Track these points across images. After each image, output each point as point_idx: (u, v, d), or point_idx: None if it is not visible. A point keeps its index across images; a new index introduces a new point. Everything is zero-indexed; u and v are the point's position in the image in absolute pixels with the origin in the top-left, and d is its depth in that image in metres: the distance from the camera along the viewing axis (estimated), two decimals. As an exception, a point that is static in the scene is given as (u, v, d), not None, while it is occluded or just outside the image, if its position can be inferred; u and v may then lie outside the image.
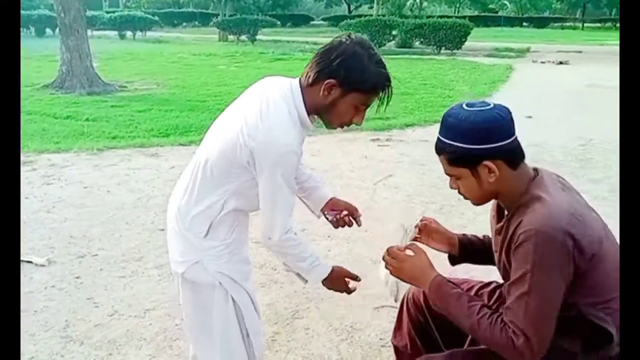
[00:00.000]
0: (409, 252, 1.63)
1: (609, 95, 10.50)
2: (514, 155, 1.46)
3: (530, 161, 1.53)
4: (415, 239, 1.77)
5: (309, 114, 1.60)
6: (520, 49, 22.06)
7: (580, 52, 21.68)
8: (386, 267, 1.65)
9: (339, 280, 1.86)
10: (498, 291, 1.78)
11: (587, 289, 1.38)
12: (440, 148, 1.50)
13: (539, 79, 13.18)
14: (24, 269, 3.23)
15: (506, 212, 1.54)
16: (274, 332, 2.66)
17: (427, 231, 1.81)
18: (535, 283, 1.33)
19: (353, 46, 1.53)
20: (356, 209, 1.98)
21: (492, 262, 1.68)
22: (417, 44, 22.76)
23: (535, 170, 1.53)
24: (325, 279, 1.81)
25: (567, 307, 1.38)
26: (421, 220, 1.82)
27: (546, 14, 60.89)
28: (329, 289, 1.88)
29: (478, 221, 3.91)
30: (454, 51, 20.94)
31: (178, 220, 1.69)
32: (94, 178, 5.03)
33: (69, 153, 5.87)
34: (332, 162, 5.67)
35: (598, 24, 52.25)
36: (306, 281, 1.81)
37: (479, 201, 1.56)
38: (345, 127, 1.68)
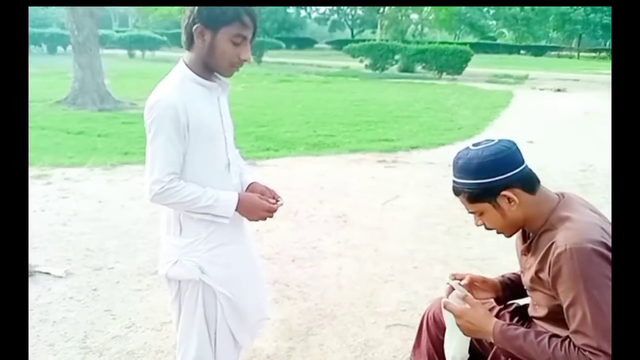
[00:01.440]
0: (464, 304, 1.64)
1: (606, 122, 10.62)
2: (529, 181, 1.53)
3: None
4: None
5: (205, 76, 1.69)
6: (518, 76, 22.31)
7: (577, 80, 21.89)
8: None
9: (253, 201, 1.78)
10: (519, 314, 1.82)
11: None
12: (457, 189, 1.58)
13: (538, 105, 13.33)
14: (42, 280, 3.28)
15: (531, 233, 1.59)
16: (289, 348, 2.68)
17: (472, 284, 1.83)
18: (591, 300, 1.36)
19: None
20: (275, 193, 1.92)
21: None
22: (419, 68, 23.03)
23: (562, 194, 1.59)
24: (238, 207, 1.74)
25: None
26: (461, 279, 1.83)
27: (543, 43, 61.58)
28: (249, 217, 1.80)
29: (485, 243, 3.98)
30: (454, 76, 21.19)
31: (162, 224, 1.82)
32: (108, 193, 5.10)
33: (82, 168, 5.95)
34: (340, 182, 5.74)
35: (593, 54, 52.76)
36: (226, 217, 1.73)
37: (508, 231, 1.62)
38: (238, 69, 1.72)
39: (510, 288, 1.84)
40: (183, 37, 1.68)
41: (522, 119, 10.87)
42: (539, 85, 18.89)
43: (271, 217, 1.82)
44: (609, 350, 1.33)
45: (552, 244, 1.44)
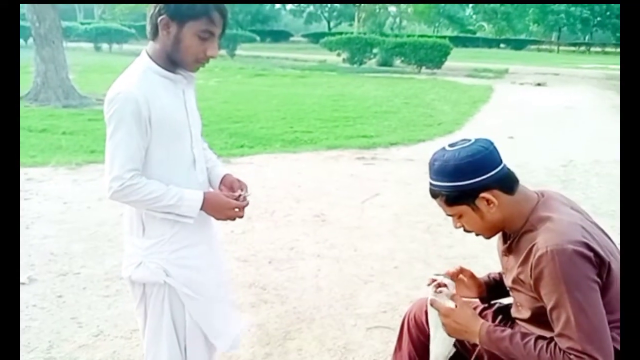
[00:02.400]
0: (451, 303, 1.63)
1: (586, 117, 10.75)
2: (507, 181, 1.50)
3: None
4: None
5: (169, 68, 1.62)
6: (498, 70, 22.51)
7: (557, 74, 22.20)
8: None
9: (218, 199, 1.69)
10: (502, 312, 1.79)
11: (603, 306, 1.38)
12: (434, 192, 1.54)
13: (518, 100, 13.41)
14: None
15: (511, 235, 1.55)
16: (266, 354, 2.60)
17: (460, 277, 1.82)
18: (574, 302, 1.34)
19: None
20: (245, 186, 1.85)
21: None
22: (397, 62, 23.05)
23: (541, 193, 1.56)
24: (204, 206, 1.65)
25: None
26: (453, 271, 1.81)
27: (523, 36, 62.37)
28: (216, 216, 1.71)
29: (466, 242, 3.92)
30: (434, 70, 21.25)
31: (125, 226, 1.73)
32: (73, 193, 4.92)
33: (46, 167, 5.72)
34: (317, 180, 5.64)
35: (573, 48, 53.82)
36: (190, 217, 1.64)
37: (487, 233, 1.59)
38: (204, 65, 1.66)
39: (494, 288, 1.83)
40: (148, 27, 1.61)
41: (503, 114, 10.92)
42: (519, 79, 19.10)
43: (241, 216, 1.72)
44: (594, 353, 1.32)
45: (533, 245, 1.42)
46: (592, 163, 6.55)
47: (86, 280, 3.27)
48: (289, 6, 68.70)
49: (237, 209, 1.71)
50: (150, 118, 1.55)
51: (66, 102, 10.45)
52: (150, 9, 1.57)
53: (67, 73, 11.02)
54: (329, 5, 60.86)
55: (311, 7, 65.31)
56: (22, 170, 5.50)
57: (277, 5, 66.59)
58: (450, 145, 1.51)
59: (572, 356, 1.34)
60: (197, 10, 1.53)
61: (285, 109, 10.62)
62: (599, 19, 52.86)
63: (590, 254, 1.35)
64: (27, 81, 11.17)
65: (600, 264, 1.36)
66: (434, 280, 1.72)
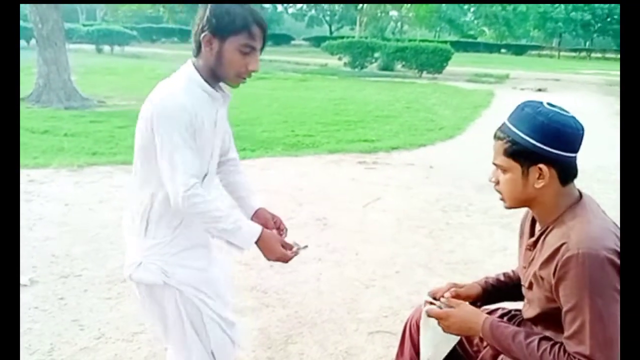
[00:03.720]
0: (448, 308, 1.61)
1: (587, 123, 10.70)
2: (569, 171, 1.43)
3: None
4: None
5: (211, 84, 1.64)
6: (499, 75, 22.47)
7: (557, 80, 22.16)
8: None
9: (274, 243, 1.69)
10: (506, 318, 1.77)
11: None
12: (503, 133, 1.46)
13: (519, 105, 13.38)
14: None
15: (539, 227, 1.51)
16: (267, 358, 2.60)
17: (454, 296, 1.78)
18: (594, 308, 1.30)
19: (212, 3, 1.59)
20: (281, 222, 1.92)
21: (519, 299, 1.68)
22: (399, 67, 23.01)
23: (580, 193, 1.50)
24: (258, 242, 1.65)
25: None
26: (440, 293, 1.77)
27: (524, 42, 62.40)
28: (265, 255, 1.70)
29: (468, 246, 3.92)
30: (435, 75, 21.22)
31: (126, 224, 1.74)
32: (75, 195, 4.91)
33: (48, 169, 5.71)
34: (319, 183, 5.64)
35: (573, 53, 53.73)
36: (241, 248, 1.65)
37: (513, 203, 1.52)
38: (245, 80, 1.68)
39: (490, 293, 1.80)
40: (192, 44, 1.65)
41: (504, 119, 10.82)
42: (520, 84, 19.03)
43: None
44: None
45: (563, 244, 1.36)
46: (594, 169, 6.54)
47: (88, 282, 3.26)
48: (290, 10, 68.72)
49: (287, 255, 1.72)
50: (194, 130, 1.57)
51: (68, 103, 10.43)
52: (193, 26, 1.61)
53: (69, 75, 11.00)
54: (330, 9, 60.91)
55: (313, 11, 65.31)
56: (24, 172, 5.50)
57: (279, 9, 66.65)
58: (549, 104, 1.43)
59: None
60: (237, 25, 1.56)
61: (286, 112, 10.61)
62: (599, 24, 52.89)
63: (618, 262, 1.31)
64: (30, 82, 11.18)
65: None
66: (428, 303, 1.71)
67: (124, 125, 8.41)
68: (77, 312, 2.93)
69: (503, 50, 55.12)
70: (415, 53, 21.45)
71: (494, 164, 1.50)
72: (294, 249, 1.74)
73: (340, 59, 23.82)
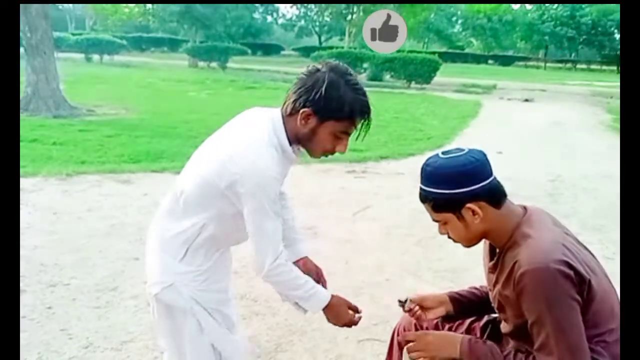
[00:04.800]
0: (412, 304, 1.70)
1: (572, 133, 10.88)
2: (495, 195, 1.51)
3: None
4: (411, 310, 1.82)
5: (291, 144, 1.62)
6: (487, 86, 22.72)
7: (544, 90, 22.44)
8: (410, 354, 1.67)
9: (341, 309, 1.77)
10: (490, 325, 1.80)
11: (585, 322, 1.41)
12: (423, 197, 1.56)
13: (506, 115, 13.55)
14: (-8, 298, 3.08)
15: (497, 250, 1.57)
16: (257, 367, 2.60)
17: (419, 302, 1.83)
18: (554, 319, 1.37)
19: (329, 74, 1.54)
20: (322, 274, 1.98)
21: (488, 312, 1.74)
22: (387, 77, 23.19)
23: (525, 208, 1.57)
24: (326, 308, 1.73)
25: None
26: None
27: (510, 53, 63.07)
28: (331, 320, 1.78)
29: (457, 254, 3.94)
30: (423, 85, 21.41)
31: (158, 240, 1.71)
32: (63, 204, 4.88)
33: (36, 177, 5.66)
34: (309, 193, 5.64)
35: (559, 64, 54.49)
36: (305, 311, 1.74)
37: (468, 243, 1.60)
38: (327, 156, 1.69)
39: (461, 303, 1.83)
40: (288, 103, 1.60)
41: (491, 129, 11.02)
42: (507, 95, 19.27)
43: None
44: None
45: (515, 262, 1.43)
46: (579, 178, 6.63)
47: (76, 291, 3.24)
48: (280, 20, 68.95)
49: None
50: (277, 194, 1.57)
51: (57, 112, 10.36)
52: (298, 85, 1.57)
53: (58, 83, 10.94)
54: (320, 20, 61.17)
55: (302, 22, 65.59)
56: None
57: (269, 19, 66.87)
58: (444, 153, 1.52)
59: None
60: (343, 112, 1.53)
61: (276, 122, 10.61)
62: (584, 37, 53.66)
63: (571, 273, 1.36)
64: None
65: (580, 282, 1.38)
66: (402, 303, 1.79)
67: (112, 134, 8.39)
68: (65, 321, 2.91)
69: (490, 61, 55.74)
70: (404, 64, 21.65)
71: (434, 220, 1.59)
72: (360, 313, 1.81)
73: (329, 69, 23.88)
